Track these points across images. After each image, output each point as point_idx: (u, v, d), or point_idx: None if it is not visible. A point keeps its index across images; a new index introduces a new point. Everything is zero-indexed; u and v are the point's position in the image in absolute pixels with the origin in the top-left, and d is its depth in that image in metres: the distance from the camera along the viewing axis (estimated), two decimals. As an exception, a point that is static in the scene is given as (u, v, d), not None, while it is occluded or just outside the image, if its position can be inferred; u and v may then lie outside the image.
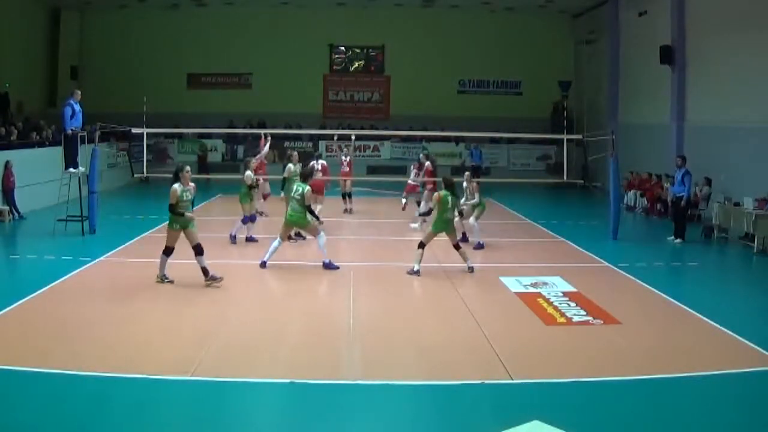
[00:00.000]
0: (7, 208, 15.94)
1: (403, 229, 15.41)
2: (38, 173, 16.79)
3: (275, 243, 11.45)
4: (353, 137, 18.61)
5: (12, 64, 22.78)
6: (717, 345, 7.96)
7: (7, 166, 16.16)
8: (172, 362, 7.00)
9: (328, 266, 11.36)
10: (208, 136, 26.33)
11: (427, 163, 16.23)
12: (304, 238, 13.31)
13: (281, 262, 11.97)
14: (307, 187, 11.42)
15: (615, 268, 11.90)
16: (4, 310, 8.59)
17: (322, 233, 11.49)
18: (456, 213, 11.60)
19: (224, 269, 11.07)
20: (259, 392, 6.51)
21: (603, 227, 15.46)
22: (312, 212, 11.60)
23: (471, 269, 11.26)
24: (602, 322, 8.71)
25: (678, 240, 14.55)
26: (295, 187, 11.56)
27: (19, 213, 16.19)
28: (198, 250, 10.02)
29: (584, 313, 9.05)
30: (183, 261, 11.95)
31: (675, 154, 16.63)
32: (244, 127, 25.04)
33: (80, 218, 14.32)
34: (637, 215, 19.32)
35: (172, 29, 27.79)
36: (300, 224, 11.62)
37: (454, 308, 9.29)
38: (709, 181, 16.63)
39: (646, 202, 19.36)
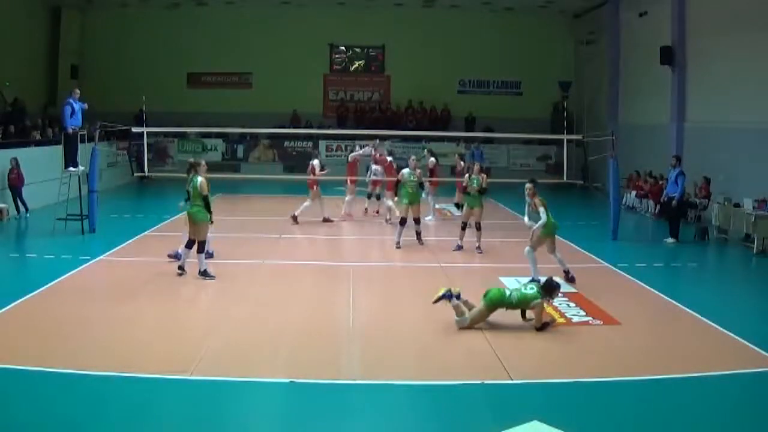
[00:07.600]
0: (6, 206, 15.92)
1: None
2: (38, 172, 16.78)
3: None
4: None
5: (12, 62, 22.72)
6: (716, 346, 7.96)
7: (11, 162, 16.16)
8: (172, 361, 7.00)
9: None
10: (208, 135, 26.31)
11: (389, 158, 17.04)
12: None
13: (280, 262, 11.98)
14: None
15: (615, 269, 11.90)
16: (4, 309, 8.58)
17: None
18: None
19: (224, 268, 11.06)
20: (259, 392, 6.51)
21: (603, 227, 15.44)
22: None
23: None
24: (602, 322, 8.72)
25: (671, 240, 14.52)
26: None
27: (26, 208, 16.16)
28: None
29: (584, 313, 9.06)
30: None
31: (674, 155, 16.59)
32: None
33: (80, 217, 14.32)
34: (643, 216, 19.10)
35: (172, 28, 27.73)
36: None
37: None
38: (708, 188, 16.51)
39: (653, 204, 18.86)
